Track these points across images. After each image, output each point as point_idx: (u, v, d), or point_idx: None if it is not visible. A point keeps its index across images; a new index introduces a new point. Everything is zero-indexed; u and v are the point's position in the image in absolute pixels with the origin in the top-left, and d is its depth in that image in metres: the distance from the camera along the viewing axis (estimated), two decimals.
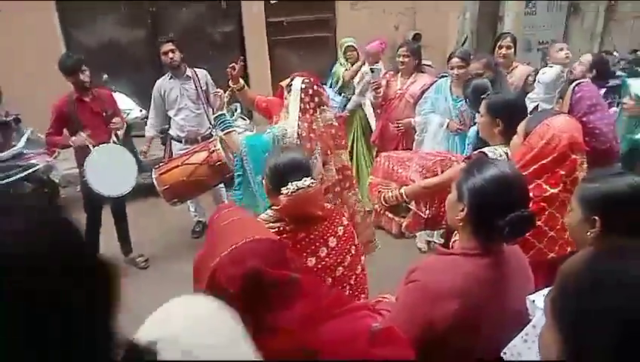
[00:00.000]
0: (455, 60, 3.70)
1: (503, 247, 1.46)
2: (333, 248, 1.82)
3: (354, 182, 3.22)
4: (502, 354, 1.33)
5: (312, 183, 1.75)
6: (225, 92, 3.14)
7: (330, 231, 1.83)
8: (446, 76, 3.92)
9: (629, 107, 3.03)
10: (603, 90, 3.73)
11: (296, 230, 1.77)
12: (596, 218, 1.35)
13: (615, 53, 6.32)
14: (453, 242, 1.92)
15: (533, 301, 1.34)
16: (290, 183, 1.73)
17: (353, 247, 1.90)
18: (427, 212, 2.38)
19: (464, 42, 7.33)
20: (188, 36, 6.09)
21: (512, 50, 4.04)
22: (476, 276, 1.38)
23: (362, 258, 1.96)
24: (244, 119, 4.87)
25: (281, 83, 3.03)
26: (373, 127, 4.70)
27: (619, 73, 5.18)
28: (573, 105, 2.63)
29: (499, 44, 4.05)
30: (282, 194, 1.73)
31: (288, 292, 1.02)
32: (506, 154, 2.14)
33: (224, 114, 2.94)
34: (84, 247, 0.72)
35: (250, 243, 1.05)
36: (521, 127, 2.03)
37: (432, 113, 3.90)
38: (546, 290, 1.34)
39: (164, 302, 0.89)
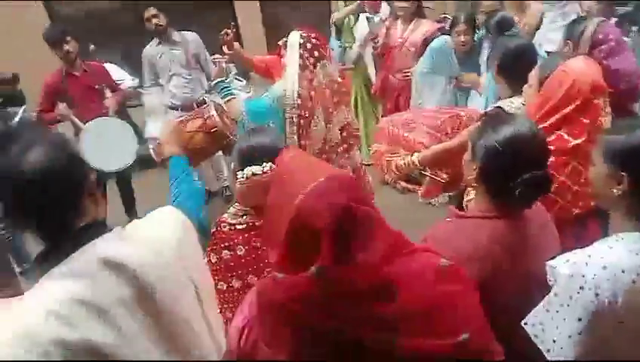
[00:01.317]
0: (462, 27, 3.50)
1: (523, 209, 1.38)
2: None
3: (358, 139, 3.12)
4: (523, 323, 1.26)
5: (271, 168, 1.53)
6: (222, 56, 3.00)
7: None
8: (446, 22, 3.72)
9: None
10: (613, 20, 3.52)
11: None
12: (624, 174, 1.22)
13: None
14: (467, 201, 1.85)
15: (555, 267, 1.24)
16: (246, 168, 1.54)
17: None
18: (445, 176, 2.26)
19: None
20: None
21: None
22: (493, 240, 1.31)
23: None
24: (240, 80, 4.72)
25: (278, 42, 2.88)
26: (373, 79, 4.55)
27: None
28: (593, 47, 2.45)
29: None
30: (237, 180, 1.56)
31: (370, 226, 1.02)
32: (524, 105, 2.02)
33: (223, 80, 2.81)
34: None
35: (332, 179, 1.02)
36: (533, 76, 1.89)
37: (434, 74, 3.70)
38: (567, 255, 1.25)
39: None
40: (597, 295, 1.14)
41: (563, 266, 1.20)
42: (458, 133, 2.28)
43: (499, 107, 2.03)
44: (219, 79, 2.82)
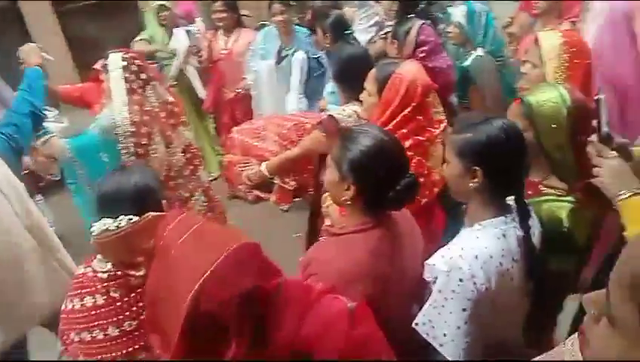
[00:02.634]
0: (277, 6, 3.53)
1: (391, 213, 1.43)
2: None
3: (201, 158, 2.99)
4: (414, 324, 1.31)
5: (128, 223, 1.34)
6: None
7: None
8: (266, 25, 3.78)
9: (454, 35, 3.17)
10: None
11: (129, 276, 1.39)
12: (477, 168, 1.31)
13: None
14: (326, 207, 1.88)
15: (434, 264, 1.30)
16: (99, 221, 1.37)
17: None
18: (292, 183, 2.31)
19: None
20: None
21: None
22: (372, 251, 1.33)
23: None
24: (51, 110, 4.16)
25: (94, 66, 2.61)
26: (200, 94, 4.37)
27: None
28: (416, 48, 2.66)
29: None
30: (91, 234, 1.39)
31: (280, 301, 0.94)
32: (356, 113, 2.10)
33: None
34: None
35: (231, 256, 0.89)
36: (370, 86, 1.97)
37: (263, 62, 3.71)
38: (442, 251, 1.31)
39: None
40: (474, 284, 1.23)
41: (440, 263, 1.27)
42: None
43: (330, 115, 2.10)
44: None
